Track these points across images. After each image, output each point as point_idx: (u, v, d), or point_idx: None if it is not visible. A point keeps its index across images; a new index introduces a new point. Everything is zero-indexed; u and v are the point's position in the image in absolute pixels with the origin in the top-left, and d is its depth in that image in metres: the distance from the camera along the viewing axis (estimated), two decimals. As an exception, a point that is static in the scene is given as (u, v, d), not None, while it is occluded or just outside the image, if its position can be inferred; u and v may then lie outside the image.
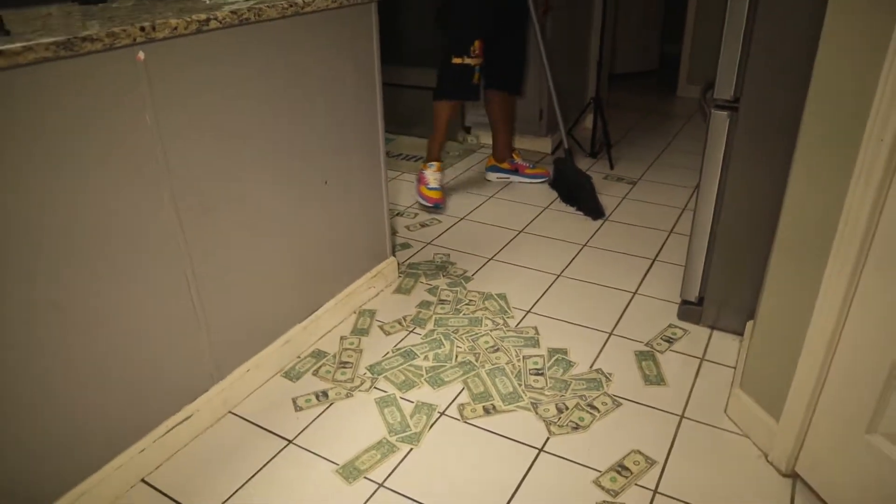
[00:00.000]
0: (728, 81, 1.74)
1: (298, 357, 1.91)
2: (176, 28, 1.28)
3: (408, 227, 2.74)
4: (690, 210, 2.87)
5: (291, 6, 1.54)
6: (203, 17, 1.33)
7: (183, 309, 1.52)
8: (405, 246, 2.58)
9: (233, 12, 1.39)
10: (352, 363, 1.88)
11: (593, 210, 2.82)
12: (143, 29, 1.22)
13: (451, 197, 3.04)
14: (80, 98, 1.19)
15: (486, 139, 3.75)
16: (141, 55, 1.27)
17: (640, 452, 1.56)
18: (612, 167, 3.37)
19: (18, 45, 1.05)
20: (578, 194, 2.91)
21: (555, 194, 3.04)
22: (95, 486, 1.40)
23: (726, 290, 1.95)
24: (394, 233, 2.65)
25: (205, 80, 1.42)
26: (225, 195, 1.55)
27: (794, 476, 1.48)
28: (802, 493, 1.44)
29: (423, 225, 2.77)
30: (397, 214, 2.86)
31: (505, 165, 3.20)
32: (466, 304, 2.16)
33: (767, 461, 1.53)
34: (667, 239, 2.61)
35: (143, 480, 1.50)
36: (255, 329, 1.76)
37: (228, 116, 1.51)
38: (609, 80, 4.27)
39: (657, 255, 2.48)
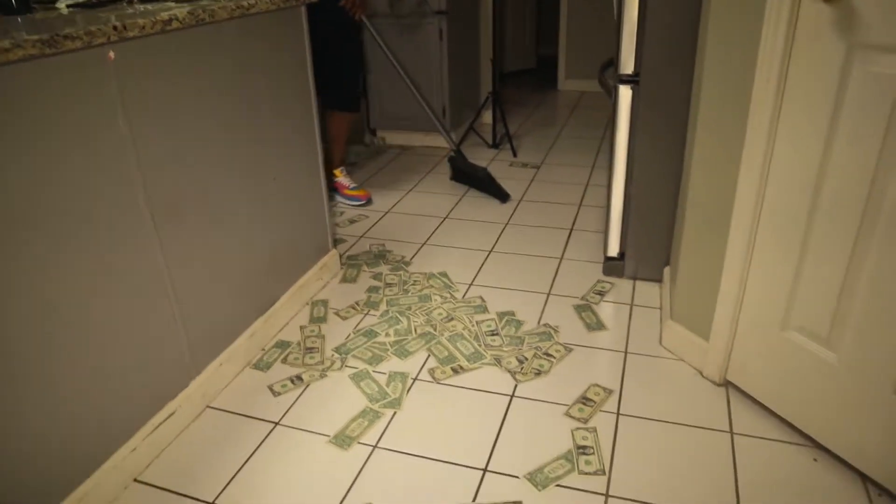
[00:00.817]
0: (629, 59, 2.00)
1: (263, 349, 1.96)
2: (143, 27, 1.33)
3: (338, 225, 2.83)
4: (594, 185, 3.16)
5: (238, 7, 1.62)
6: (165, 16, 1.39)
7: (162, 306, 1.54)
8: (339, 241, 2.67)
9: (190, 13, 1.45)
10: (317, 348, 1.96)
11: (498, 195, 3.03)
12: (115, 28, 1.27)
13: (373, 195, 3.15)
14: (61, 97, 1.22)
15: (393, 139, 3.90)
16: (112, 54, 1.31)
17: (598, 385, 1.76)
18: (515, 155, 3.62)
19: (7, 41, 1.08)
20: (479, 185, 3.12)
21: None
22: (92, 489, 1.40)
23: (643, 244, 2.21)
24: (325, 231, 2.74)
25: (167, 79, 1.47)
26: (191, 193, 1.59)
27: (726, 385, 1.74)
28: (735, 396, 1.69)
29: (351, 221, 2.86)
30: (324, 214, 2.94)
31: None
32: (412, 285, 2.29)
33: (703, 377, 1.78)
34: (578, 211, 2.87)
35: (136, 480, 1.51)
36: (224, 323, 1.80)
37: (189, 115, 1.56)
38: (498, 77, 4.55)
39: (573, 226, 2.73)
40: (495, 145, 3.76)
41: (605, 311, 2.11)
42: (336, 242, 2.64)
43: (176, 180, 1.54)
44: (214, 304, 1.74)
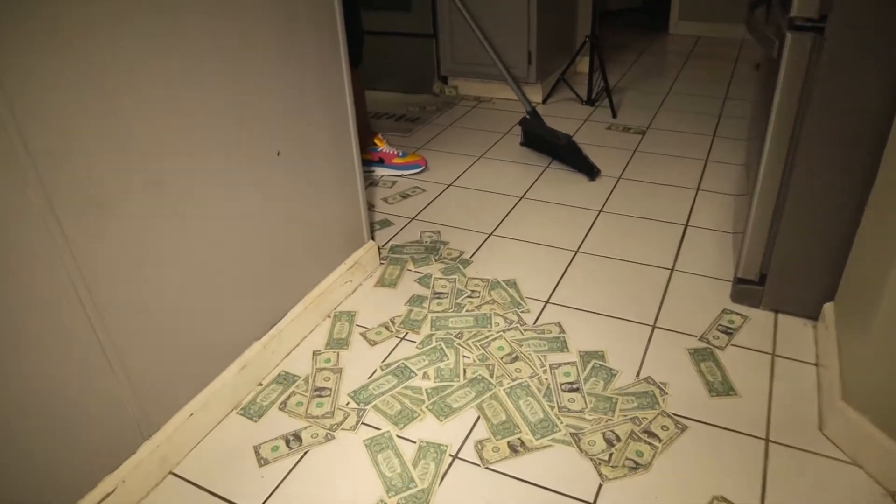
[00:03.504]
0: (812, -8, 1.30)
1: (260, 385, 1.47)
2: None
3: (385, 200, 2.28)
4: (714, 161, 2.46)
5: None
6: None
7: (82, 349, 1.06)
8: (385, 224, 2.13)
9: None
10: (330, 389, 1.45)
11: (585, 169, 2.38)
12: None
13: (434, 161, 2.57)
14: None
15: (467, 89, 3.29)
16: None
17: (724, 499, 1.17)
18: (614, 115, 2.93)
19: None
20: (560, 156, 2.48)
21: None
22: None
23: (796, 265, 1.55)
24: (370, 207, 2.20)
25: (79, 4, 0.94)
26: (129, 180, 1.08)
27: (936, 522, 1.11)
28: (955, 549, 1.07)
29: (403, 196, 2.31)
30: (370, 184, 2.39)
31: (365, 156, 2.40)
32: (469, 297, 1.73)
33: (894, 500, 1.15)
34: (695, 199, 2.20)
35: (46, 592, 1.07)
36: (197, 358, 1.30)
37: (122, 62, 1.02)
38: (598, 16, 3.80)
39: (688, 220, 2.07)
40: (590, 101, 3.07)
41: (735, 361, 1.48)
42: (378, 226, 2.10)
43: (100, 162, 1.02)
44: (179, 333, 1.24)
